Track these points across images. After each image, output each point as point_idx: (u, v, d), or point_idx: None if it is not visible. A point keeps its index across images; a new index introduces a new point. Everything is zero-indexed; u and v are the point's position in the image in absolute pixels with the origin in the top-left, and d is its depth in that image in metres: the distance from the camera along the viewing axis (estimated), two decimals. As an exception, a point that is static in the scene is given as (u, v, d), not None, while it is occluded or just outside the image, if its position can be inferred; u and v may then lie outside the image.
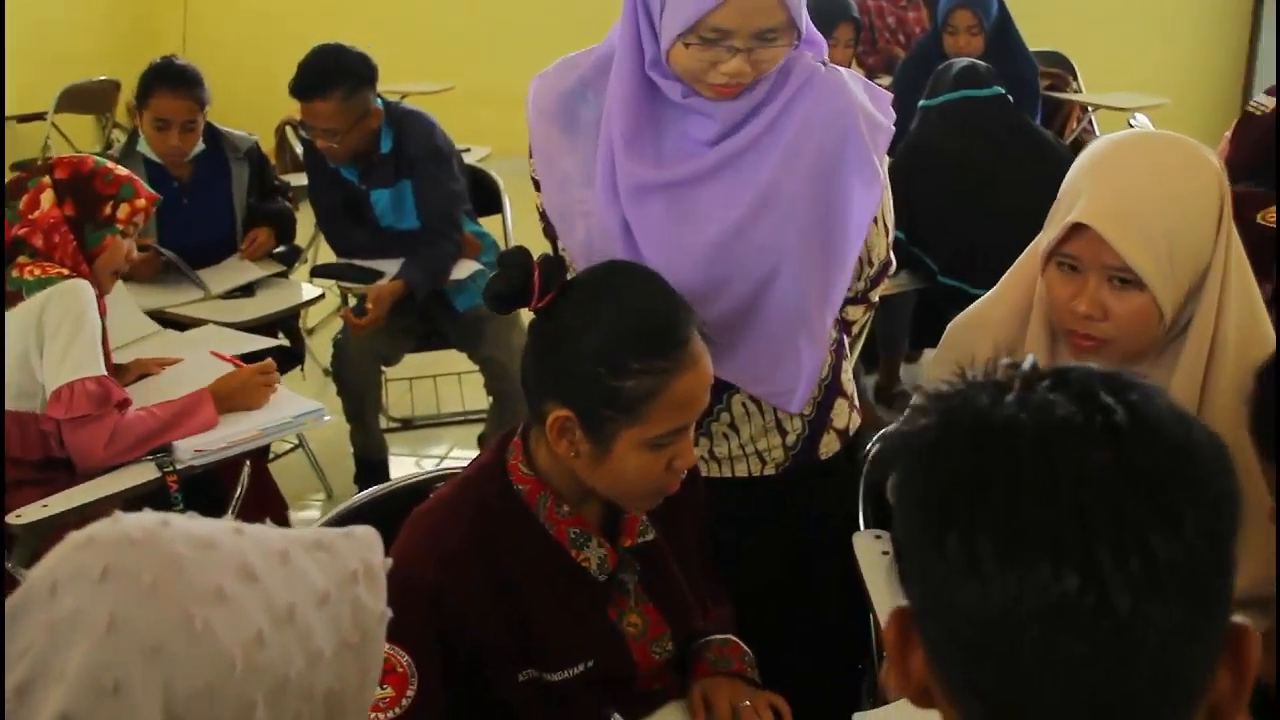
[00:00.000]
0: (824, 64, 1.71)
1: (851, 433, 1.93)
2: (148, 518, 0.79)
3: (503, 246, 3.72)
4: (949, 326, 1.82)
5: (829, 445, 1.89)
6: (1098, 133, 5.00)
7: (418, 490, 1.78)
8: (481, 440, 3.93)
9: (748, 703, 1.54)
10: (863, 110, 1.68)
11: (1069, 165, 1.64)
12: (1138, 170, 1.56)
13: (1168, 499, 0.70)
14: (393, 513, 1.58)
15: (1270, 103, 4.08)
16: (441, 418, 4.24)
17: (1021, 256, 1.74)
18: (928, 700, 0.79)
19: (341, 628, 0.81)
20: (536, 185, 1.84)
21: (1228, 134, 4.56)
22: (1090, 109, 5.33)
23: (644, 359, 1.41)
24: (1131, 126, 4.55)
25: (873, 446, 1.94)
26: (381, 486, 1.87)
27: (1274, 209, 3.58)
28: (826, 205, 1.69)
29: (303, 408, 2.61)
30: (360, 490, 2.96)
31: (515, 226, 3.95)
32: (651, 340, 1.43)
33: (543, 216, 1.87)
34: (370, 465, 3.62)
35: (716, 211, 1.67)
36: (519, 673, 1.47)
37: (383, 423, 3.83)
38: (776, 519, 1.87)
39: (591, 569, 1.51)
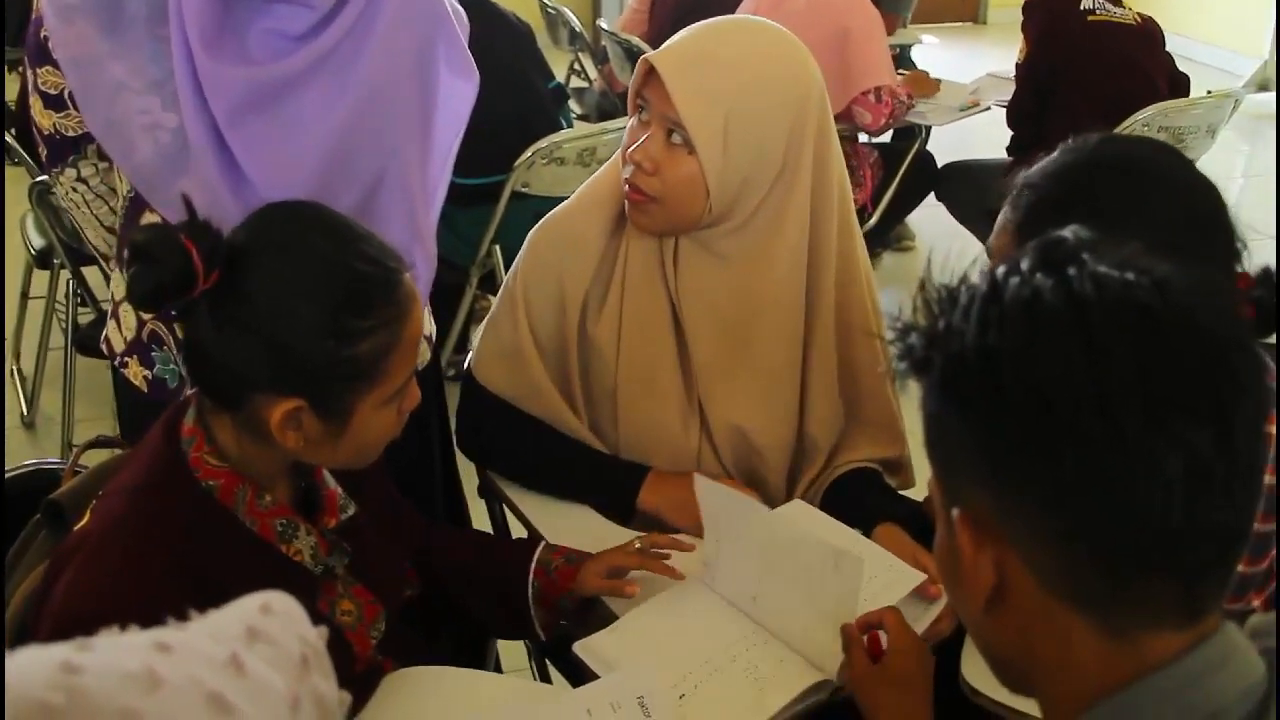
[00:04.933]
0: None
1: None
2: (42, 669, 0.56)
3: None
4: (547, 216, 1.77)
5: None
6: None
7: (40, 481, 1.47)
8: None
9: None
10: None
11: None
12: (730, 41, 1.58)
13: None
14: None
15: None
16: None
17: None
18: (998, 602, 0.82)
19: None
20: (48, 100, 1.57)
21: (633, 3, 4.82)
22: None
23: (371, 314, 1.22)
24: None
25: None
26: None
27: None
28: (425, 98, 1.59)
29: None
30: None
31: None
32: (373, 290, 1.23)
33: (50, 139, 1.61)
34: None
35: (318, 115, 1.49)
36: None
37: None
38: None
39: (305, 561, 1.32)
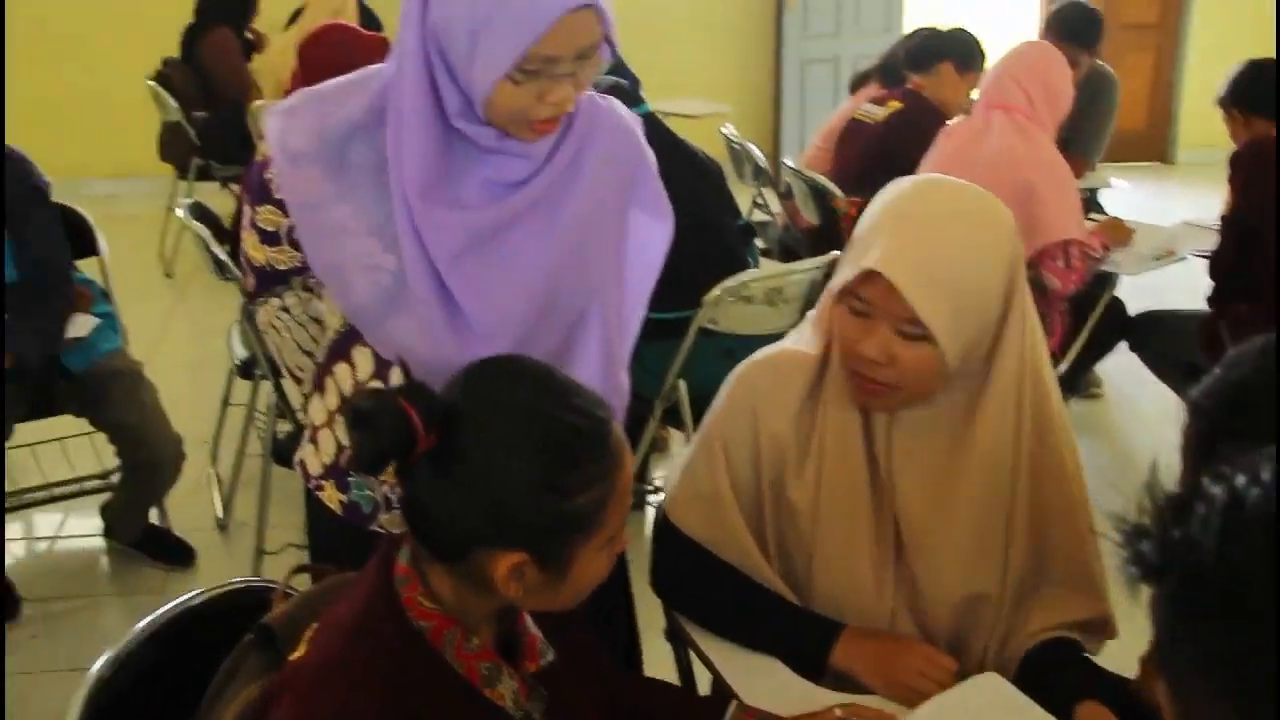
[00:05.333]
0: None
1: None
2: None
3: (107, 294, 3.38)
4: (746, 368, 1.76)
5: None
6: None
7: (249, 599, 1.54)
8: (105, 512, 3.51)
9: None
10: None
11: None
12: (935, 221, 1.56)
13: None
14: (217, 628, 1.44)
15: (879, 112, 4.40)
16: (52, 489, 3.63)
17: (822, 297, 1.74)
18: None
19: None
20: (264, 235, 1.64)
21: (817, 141, 4.94)
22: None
23: (588, 468, 1.24)
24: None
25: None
26: (202, 593, 1.58)
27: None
28: (624, 238, 1.69)
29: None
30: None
31: (119, 271, 3.58)
32: (587, 445, 1.25)
33: (260, 271, 1.68)
34: None
35: (530, 255, 1.57)
36: None
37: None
38: None
39: (507, 706, 1.31)
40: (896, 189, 1.62)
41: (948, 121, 3.93)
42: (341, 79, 1.62)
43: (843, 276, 1.58)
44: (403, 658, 1.25)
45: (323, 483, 1.75)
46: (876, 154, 4.21)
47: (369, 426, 1.18)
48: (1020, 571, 1.69)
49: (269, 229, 1.63)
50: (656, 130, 3.12)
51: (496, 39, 1.43)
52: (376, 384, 1.65)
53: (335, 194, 1.56)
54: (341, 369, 1.70)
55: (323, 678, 1.22)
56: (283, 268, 1.66)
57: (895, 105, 4.31)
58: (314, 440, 1.77)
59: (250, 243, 1.68)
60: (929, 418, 1.66)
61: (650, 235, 1.74)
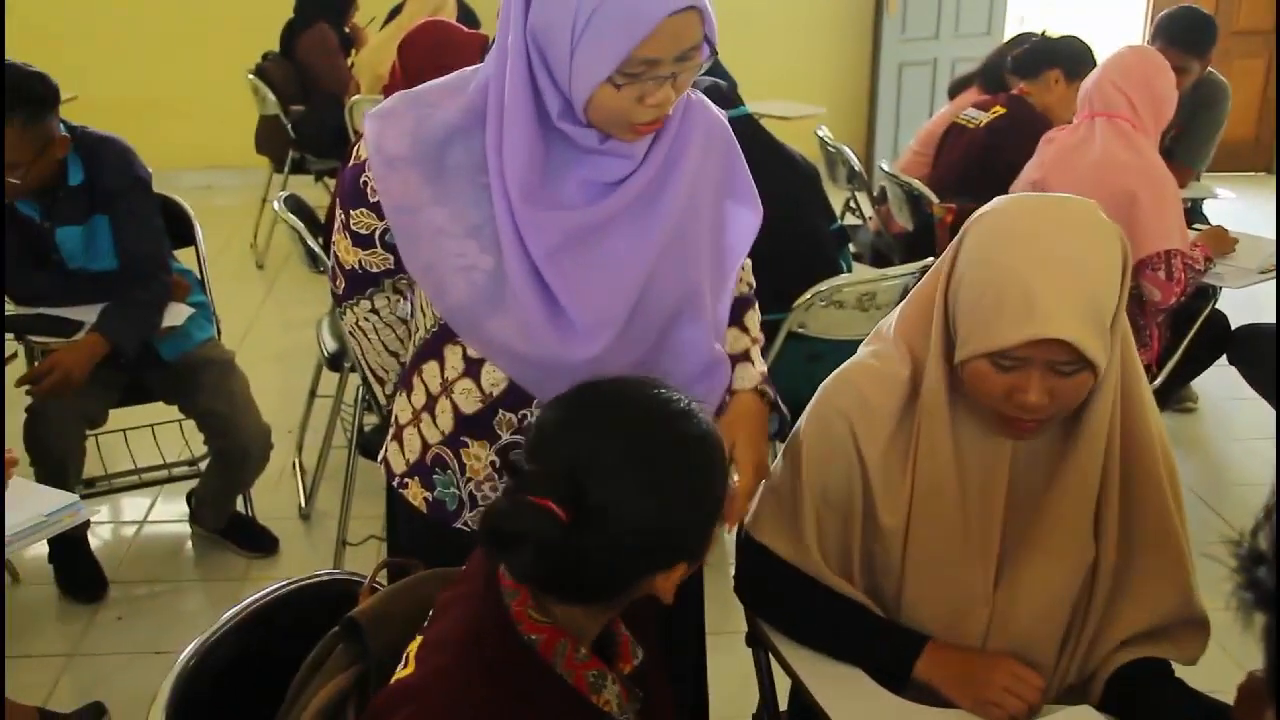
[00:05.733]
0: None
1: None
2: None
3: (203, 284, 3.41)
4: (837, 386, 1.71)
5: None
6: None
7: (334, 591, 1.58)
8: (192, 498, 3.58)
9: None
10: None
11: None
12: (1070, 254, 1.48)
13: None
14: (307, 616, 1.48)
15: (982, 116, 4.29)
16: (142, 474, 3.73)
17: (900, 310, 1.70)
18: None
19: None
20: (357, 238, 1.64)
21: (913, 145, 4.83)
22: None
23: (711, 473, 1.29)
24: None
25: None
26: (291, 582, 1.59)
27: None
28: (719, 231, 1.69)
29: (55, 503, 2.18)
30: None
31: (212, 261, 3.60)
32: (703, 455, 1.29)
33: (352, 274, 1.69)
34: (70, 543, 3.20)
35: (629, 250, 1.58)
36: None
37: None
38: None
39: (613, 711, 1.33)
40: (1001, 218, 1.55)
41: (1051, 126, 3.86)
42: (439, 81, 1.62)
43: (989, 342, 1.50)
44: (513, 671, 1.25)
45: (407, 480, 1.75)
46: (978, 159, 4.14)
47: (518, 539, 1.19)
48: (1109, 572, 1.64)
49: (363, 232, 1.63)
50: (754, 132, 3.10)
51: (598, 42, 1.41)
52: (489, 376, 1.64)
53: (432, 197, 1.55)
54: (430, 367, 1.69)
55: (436, 693, 1.22)
56: (375, 270, 1.66)
57: (999, 111, 4.23)
58: (398, 439, 1.77)
59: (343, 246, 1.68)
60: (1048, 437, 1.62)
61: (741, 224, 1.73)
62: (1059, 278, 1.46)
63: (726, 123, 1.71)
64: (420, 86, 1.61)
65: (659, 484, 1.22)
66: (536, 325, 1.54)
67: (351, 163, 1.62)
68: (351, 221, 1.64)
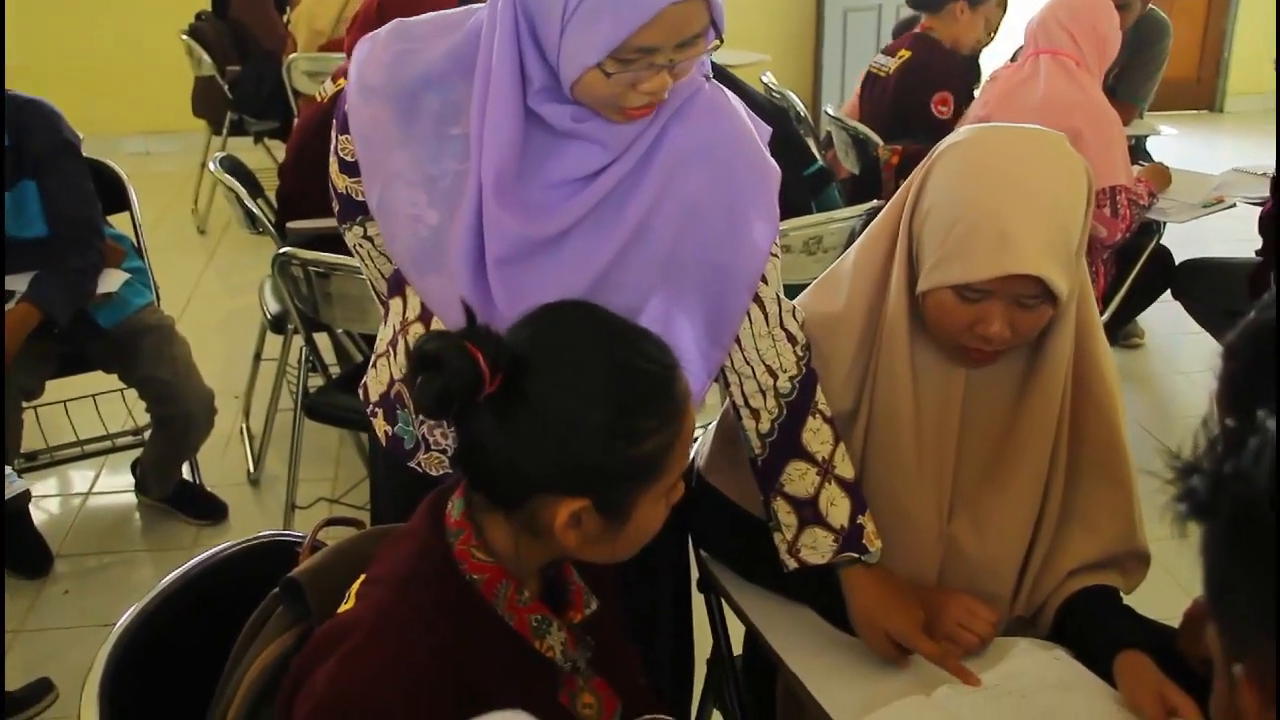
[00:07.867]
0: (707, 79, 1.55)
1: None
2: None
3: (138, 249, 3.35)
4: None
5: None
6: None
7: (277, 552, 1.55)
8: (137, 468, 3.54)
9: None
10: (749, 135, 1.54)
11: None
12: (1042, 189, 1.47)
13: None
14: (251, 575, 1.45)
15: (890, 63, 4.35)
16: (85, 446, 3.64)
17: (857, 248, 1.67)
18: None
19: None
20: (343, 165, 1.62)
21: (859, 89, 4.71)
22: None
23: (655, 415, 1.21)
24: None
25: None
26: (229, 546, 1.58)
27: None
28: (706, 249, 1.52)
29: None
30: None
31: (152, 229, 3.55)
32: (656, 389, 1.22)
33: (343, 198, 1.68)
34: (11, 517, 3.08)
35: (583, 258, 1.48)
36: None
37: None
38: None
39: (556, 658, 1.30)
40: (972, 150, 1.53)
41: (962, 57, 3.95)
42: (436, 17, 1.54)
43: (950, 273, 1.49)
44: (454, 609, 1.23)
45: (377, 410, 1.74)
46: (892, 105, 4.19)
47: (434, 367, 1.14)
48: (1058, 497, 1.65)
49: (349, 159, 1.61)
50: (720, 77, 3.04)
51: (592, 25, 1.33)
52: (437, 326, 1.59)
53: (398, 139, 1.50)
54: (396, 303, 1.68)
55: (372, 629, 1.19)
56: (360, 199, 1.63)
57: (905, 55, 4.27)
58: (375, 365, 1.76)
59: (334, 170, 1.66)
60: (1003, 363, 1.62)
61: (744, 244, 1.56)
62: (1033, 214, 1.45)
63: (737, 128, 1.55)
64: (417, 19, 1.54)
65: (590, 398, 1.17)
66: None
67: (345, 86, 1.58)
68: (339, 147, 1.62)
